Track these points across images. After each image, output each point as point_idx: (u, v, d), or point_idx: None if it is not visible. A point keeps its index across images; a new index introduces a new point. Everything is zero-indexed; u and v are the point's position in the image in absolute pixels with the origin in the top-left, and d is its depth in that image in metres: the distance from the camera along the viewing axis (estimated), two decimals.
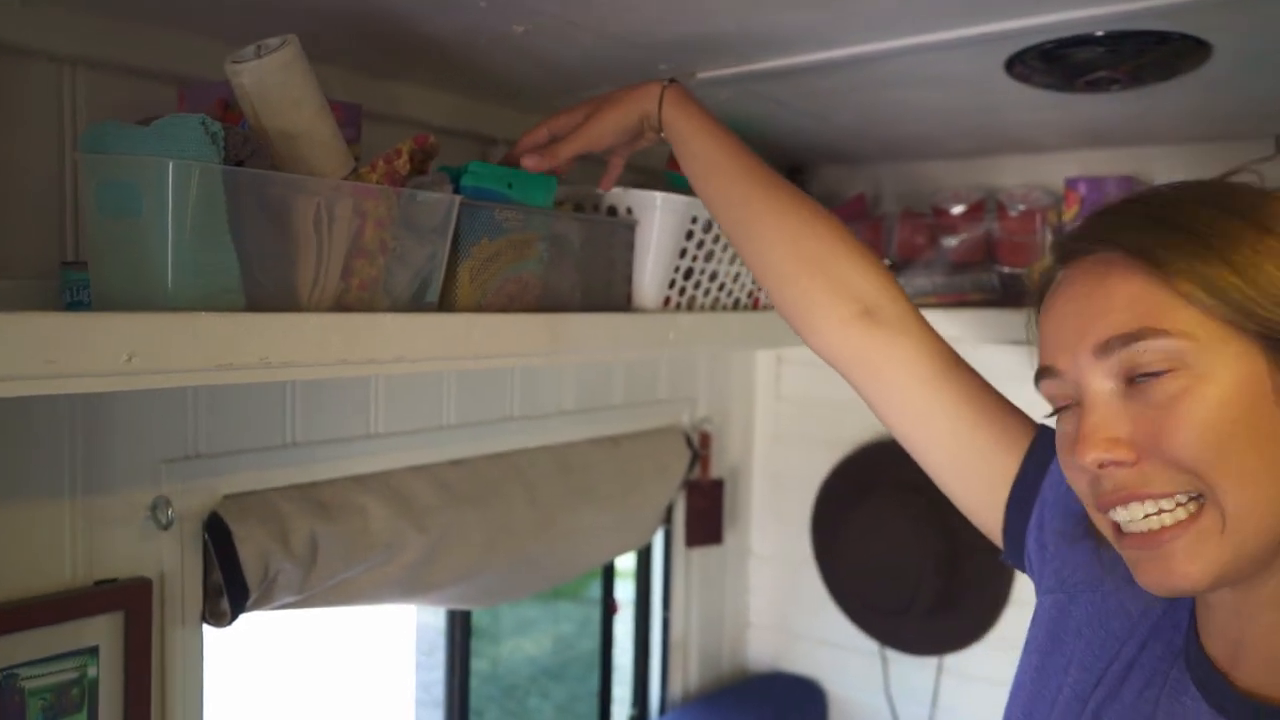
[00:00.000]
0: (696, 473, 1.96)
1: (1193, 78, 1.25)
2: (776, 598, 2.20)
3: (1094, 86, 1.30)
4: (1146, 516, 0.65)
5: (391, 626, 5.18)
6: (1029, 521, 0.87)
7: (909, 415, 0.91)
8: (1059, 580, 0.83)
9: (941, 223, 1.73)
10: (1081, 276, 0.70)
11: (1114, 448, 0.65)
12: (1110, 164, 1.73)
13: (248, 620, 1.21)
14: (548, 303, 1.19)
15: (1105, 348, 0.66)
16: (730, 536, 2.12)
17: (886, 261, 1.84)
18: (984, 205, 1.72)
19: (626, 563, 2.04)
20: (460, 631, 1.69)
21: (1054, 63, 1.23)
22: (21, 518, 1.04)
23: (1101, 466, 0.66)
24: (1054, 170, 1.75)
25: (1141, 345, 0.64)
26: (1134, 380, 0.65)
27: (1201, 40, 1.13)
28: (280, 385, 1.27)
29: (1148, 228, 0.67)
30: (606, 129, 1.09)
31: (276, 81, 0.91)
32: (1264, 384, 0.63)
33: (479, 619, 5.81)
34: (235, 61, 0.91)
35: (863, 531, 1.92)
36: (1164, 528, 0.64)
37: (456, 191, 1.05)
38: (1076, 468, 0.68)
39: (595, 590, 6.01)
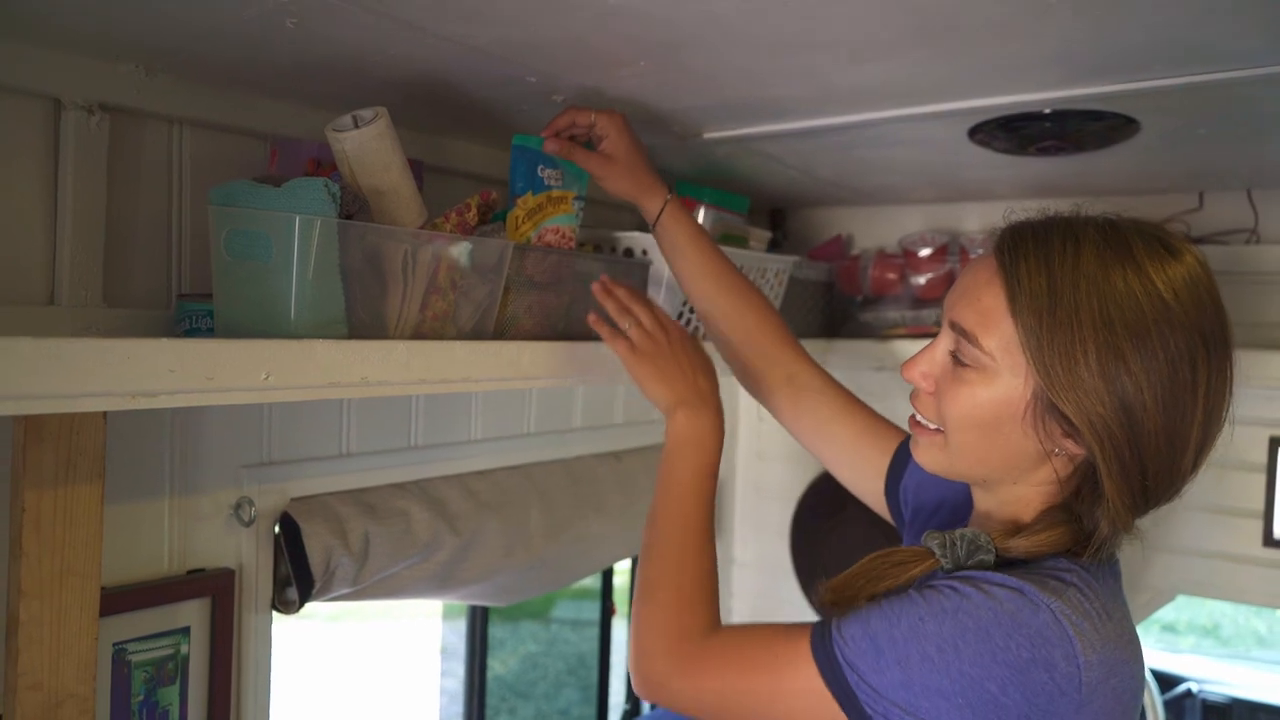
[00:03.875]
0: None
1: (1126, 146, 1.47)
2: (757, 603, 2.39)
3: (1043, 152, 1.52)
4: (915, 419, 1.00)
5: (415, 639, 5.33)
6: (899, 498, 1.20)
7: (816, 439, 1.29)
8: (913, 536, 1.16)
9: (911, 263, 1.95)
10: (982, 266, 0.93)
11: (923, 380, 0.97)
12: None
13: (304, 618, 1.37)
14: (573, 330, 1.37)
15: (953, 326, 0.93)
16: (716, 545, 2.30)
17: (859, 297, 2.05)
18: (948, 248, 1.93)
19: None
20: (480, 640, 1.86)
21: (1010, 132, 1.44)
22: (132, 514, 1.20)
23: (910, 381, 0.98)
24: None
25: (965, 344, 0.91)
26: (955, 350, 0.93)
27: (1131, 118, 1.35)
28: (337, 402, 1.44)
29: (1032, 270, 0.87)
30: (606, 183, 1.29)
31: (372, 148, 1.09)
32: (1019, 408, 0.89)
33: (448, 640, 5.93)
34: (337, 130, 1.09)
35: (838, 540, 2.12)
36: (918, 426, 0.99)
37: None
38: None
39: (560, 610, 6.11)
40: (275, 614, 1.37)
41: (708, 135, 1.52)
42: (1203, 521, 1.88)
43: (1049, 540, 0.89)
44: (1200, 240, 1.88)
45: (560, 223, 1.32)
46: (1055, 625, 0.81)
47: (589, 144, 1.30)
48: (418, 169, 1.29)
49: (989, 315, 0.89)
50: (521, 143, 1.29)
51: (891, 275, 1.97)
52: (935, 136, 1.49)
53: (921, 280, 1.92)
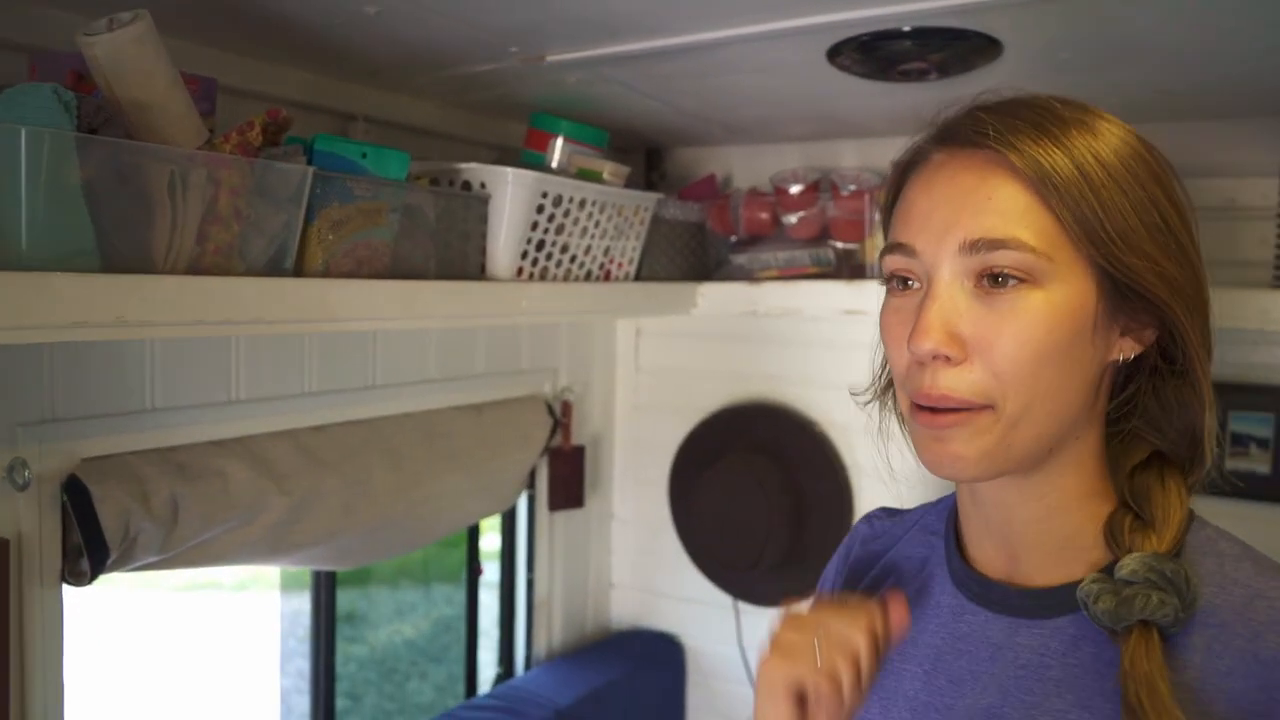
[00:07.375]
0: (559, 440, 2.05)
1: (992, 70, 1.39)
2: (637, 558, 2.31)
3: (907, 76, 1.43)
4: (939, 408, 0.71)
5: (260, 614, 5.12)
6: None
7: None
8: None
9: (782, 201, 1.86)
10: (964, 167, 0.72)
11: (950, 342, 0.69)
12: None
13: (116, 602, 1.23)
14: (399, 270, 1.25)
15: (973, 247, 0.69)
16: (593, 501, 2.21)
17: (733, 238, 1.96)
18: (819, 185, 1.85)
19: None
20: (325, 615, 1.73)
21: (870, 54, 1.35)
22: None
23: (935, 358, 0.70)
24: (885, 154, 1.89)
25: (1005, 253, 0.69)
26: (983, 282, 0.70)
27: (993, 38, 1.27)
28: (139, 350, 1.29)
29: (1039, 143, 0.70)
30: None
31: (129, 54, 0.95)
32: (1089, 315, 0.70)
33: (357, 605, 5.78)
34: (88, 34, 0.95)
35: (715, 492, 2.04)
36: (948, 415, 0.71)
37: (310, 163, 1.11)
38: (904, 349, 0.72)
39: None
40: (69, 587, 1.24)
41: (551, 59, 1.40)
42: None
43: (1179, 503, 0.74)
44: None
45: (373, 237, 1.19)
46: None
47: None
48: (209, 87, 1.15)
49: (1019, 213, 0.69)
50: (326, 146, 1.13)
51: (764, 215, 1.88)
52: (793, 60, 1.39)
53: (794, 219, 1.84)
